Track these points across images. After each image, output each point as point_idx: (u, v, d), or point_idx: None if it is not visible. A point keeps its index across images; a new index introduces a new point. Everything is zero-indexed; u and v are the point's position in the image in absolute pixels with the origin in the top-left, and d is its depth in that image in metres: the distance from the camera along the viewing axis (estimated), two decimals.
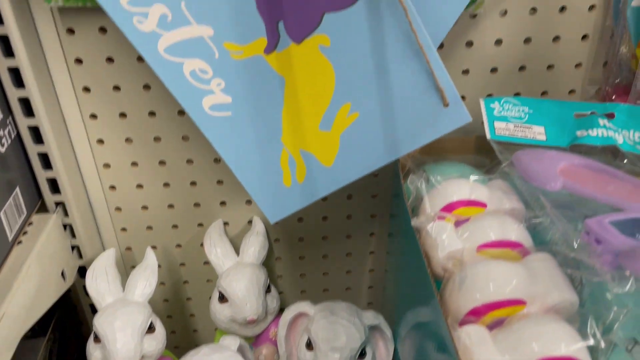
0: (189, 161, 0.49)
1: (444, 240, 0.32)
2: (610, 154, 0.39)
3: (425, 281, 0.32)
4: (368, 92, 0.36)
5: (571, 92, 0.47)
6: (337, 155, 0.38)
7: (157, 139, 0.47)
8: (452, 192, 0.36)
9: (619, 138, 0.39)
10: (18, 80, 0.40)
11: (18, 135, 0.43)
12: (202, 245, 0.52)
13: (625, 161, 0.38)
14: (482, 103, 0.41)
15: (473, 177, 0.37)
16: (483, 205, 0.36)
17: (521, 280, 0.29)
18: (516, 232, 0.33)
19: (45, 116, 0.42)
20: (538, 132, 0.39)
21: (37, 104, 0.41)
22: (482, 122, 0.40)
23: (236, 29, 0.34)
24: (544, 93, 0.47)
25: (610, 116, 0.40)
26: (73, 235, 0.48)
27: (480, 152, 0.45)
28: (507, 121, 0.40)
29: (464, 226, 0.34)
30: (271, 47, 0.35)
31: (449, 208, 0.36)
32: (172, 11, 0.34)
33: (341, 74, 0.36)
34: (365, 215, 0.54)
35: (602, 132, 0.39)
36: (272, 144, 0.38)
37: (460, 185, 0.37)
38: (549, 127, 0.40)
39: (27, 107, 0.42)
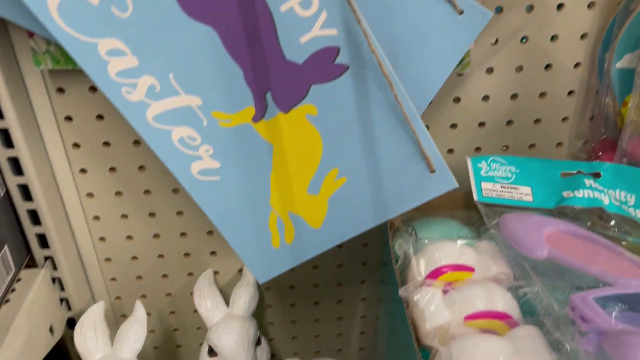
0: (179, 213, 0.49)
1: (431, 312, 0.32)
2: (596, 215, 0.39)
3: (412, 353, 0.32)
4: (355, 158, 0.36)
5: (558, 144, 0.48)
6: (326, 218, 0.39)
7: (147, 191, 0.47)
8: (440, 255, 0.37)
9: (605, 199, 0.39)
10: (7, 141, 0.40)
11: (7, 192, 0.43)
12: (192, 294, 0.52)
13: (612, 222, 0.38)
14: (469, 162, 0.41)
15: (460, 241, 0.37)
16: (471, 269, 0.36)
17: (507, 358, 0.29)
18: (503, 301, 0.33)
19: (35, 174, 0.42)
20: (525, 193, 0.40)
21: (27, 163, 0.41)
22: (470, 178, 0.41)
23: (224, 99, 0.35)
24: (531, 146, 0.48)
25: (596, 175, 0.41)
26: (62, 288, 0.48)
27: (468, 208, 0.45)
28: (494, 182, 0.40)
29: (451, 294, 0.34)
30: (259, 116, 0.35)
31: (437, 273, 0.36)
32: (160, 82, 0.34)
33: (329, 140, 0.36)
34: (356, 263, 0.54)
35: (588, 193, 0.39)
36: (261, 207, 0.39)
37: (448, 248, 0.37)
38: (536, 188, 0.40)
39: (16, 165, 0.42)
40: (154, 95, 0.34)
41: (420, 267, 0.36)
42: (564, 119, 0.47)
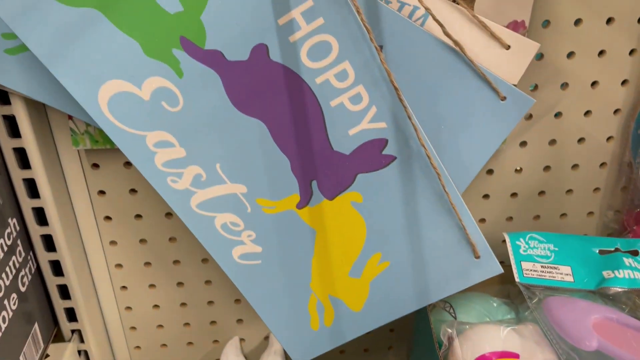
0: (208, 282, 0.48)
1: None
2: (637, 295, 0.39)
3: None
4: (399, 243, 0.36)
5: (589, 214, 0.48)
6: (366, 301, 0.38)
7: (176, 262, 0.47)
8: (484, 342, 0.36)
9: None
10: (41, 219, 0.40)
11: (38, 269, 0.42)
12: None
13: None
14: (507, 239, 0.41)
15: (504, 326, 0.36)
16: (516, 356, 0.36)
17: None
18: None
19: (67, 250, 0.41)
20: (565, 273, 0.39)
21: (60, 240, 0.41)
22: (504, 249, 0.41)
23: (270, 187, 0.35)
24: (562, 215, 0.48)
25: (634, 253, 0.40)
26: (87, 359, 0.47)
27: (504, 281, 0.45)
28: (534, 261, 0.40)
29: None
30: (304, 203, 0.35)
31: None
32: (206, 172, 0.34)
33: (372, 226, 0.36)
34: (384, 329, 0.53)
35: (628, 273, 0.39)
36: (301, 290, 0.38)
37: (492, 333, 0.36)
38: (576, 267, 0.40)
39: (48, 242, 0.41)
40: (200, 184, 0.34)
41: (465, 354, 0.36)
42: (596, 189, 0.47)
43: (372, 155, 0.34)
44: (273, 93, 0.32)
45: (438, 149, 0.35)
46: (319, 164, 0.34)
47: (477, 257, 0.35)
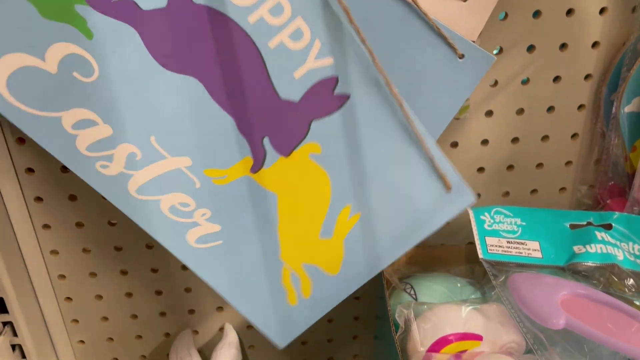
0: (154, 270, 0.44)
1: None
2: (610, 271, 0.36)
3: None
4: (367, 190, 0.33)
5: (562, 189, 0.45)
6: (343, 262, 0.34)
7: (118, 248, 0.43)
8: (444, 323, 0.33)
9: (619, 254, 0.36)
10: None
11: None
12: (168, 355, 0.47)
13: (630, 282, 0.35)
14: (471, 214, 0.38)
15: (466, 306, 0.33)
16: (479, 338, 0.33)
17: None
18: None
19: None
20: (533, 249, 0.36)
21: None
22: (470, 228, 0.37)
23: (217, 154, 0.31)
24: (533, 191, 0.45)
25: (607, 227, 0.38)
26: (23, 355, 0.43)
27: (470, 261, 0.42)
28: (500, 236, 0.37)
29: None
30: (258, 165, 0.32)
31: (441, 342, 0.32)
32: (141, 149, 0.30)
33: (336, 177, 0.32)
34: (348, 318, 0.50)
35: (600, 247, 0.36)
36: (271, 265, 0.35)
37: (453, 314, 0.33)
38: (544, 242, 0.37)
39: None
40: (135, 164, 0.30)
41: (423, 336, 0.32)
42: (568, 162, 0.44)
43: (324, 97, 0.30)
44: (202, 42, 0.28)
45: None
46: (267, 118, 0.30)
47: (449, 188, 0.32)
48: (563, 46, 0.39)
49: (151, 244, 0.43)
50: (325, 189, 0.33)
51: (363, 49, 0.29)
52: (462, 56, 0.32)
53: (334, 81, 0.30)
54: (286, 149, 0.32)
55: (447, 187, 0.32)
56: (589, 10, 0.38)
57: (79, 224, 0.42)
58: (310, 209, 0.33)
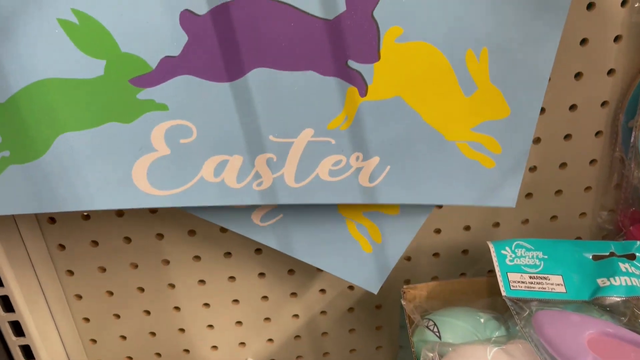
0: (176, 308, 0.45)
1: None
2: (634, 305, 0.35)
3: None
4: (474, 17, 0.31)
5: (582, 214, 0.44)
6: (507, 101, 0.33)
7: (140, 289, 0.44)
8: None
9: None
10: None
11: None
12: None
13: None
14: (491, 248, 0.38)
15: (491, 347, 0.33)
16: None
17: None
18: None
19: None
20: (556, 283, 0.36)
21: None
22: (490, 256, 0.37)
23: (324, 106, 0.31)
24: (553, 217, 0.44)
25: (631, 257, 0.37)
26: None
27: (492, 294, 0.41)
28: (522, 271, 0.36)
29: None
30: (362, 87, 0.31)
31: None
32: (271, 151, 0.32)
33: (434, 35, 0.31)
34: (370, 328, 0.50)
35: (625, 280, 0.36)
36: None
37: (478, 355, 0.33)
38: (567, 276, 0.36)
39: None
40: (277, 165, 0.32)
41: None
42: (587, 188, 0.43)
43: None
44: (250, 34, 0.28)
45: None
46: (334, 44, 0.29)
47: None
48: (578, 75, 0.39)
49: (167, 260, 0.43)
50: (434, 54, 0.31)
51: None
52: None
53: None
54: (372, 55, 0.30)
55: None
56: (603, 38, 0.37)
57: (101, 269, 0.42)
58: (437, 80, 0.32)
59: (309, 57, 0.29)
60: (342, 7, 0.28)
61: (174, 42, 0.27)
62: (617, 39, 0.38)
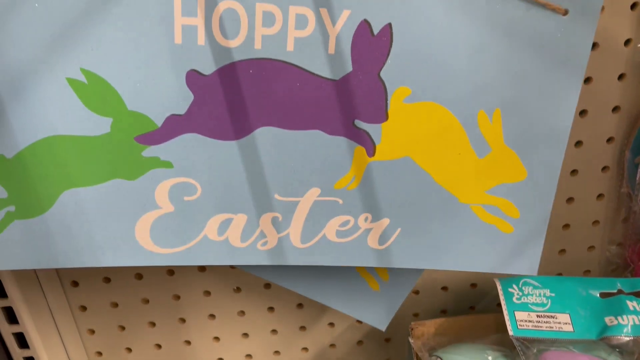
0: (187, 342, 0.45)
1: None
2: None
3: None
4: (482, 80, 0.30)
5: (590, 248, 0.44)
6: (524, 164, 0.33)
7: (151, 323, 0.44)
8: None
9: None
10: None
11: None
12: None
13: None
14: (498, 286, 0.38)
15: None
16: None
17: None
18: None
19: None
20: (564, 322, 0.36)
21: None
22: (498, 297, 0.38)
23: (331, 166, 0.31)
24: (561, 251, 0.44)
25: (638, 294, 0.37)
26: None
27: (499, 330, 0.41)
28: (529, 310, 0.37)
29: None
30: (370, 147, 0.31)
31: None
32: (276, 210, 0.32)
33: (444, 97, 0.30)
34: None
35: (632, 319, 0.36)
36: (461, 213, 0.34)
37: None
38: (575, 314, 0.36)
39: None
40: (281, 225, 0.32)
41: None
42: (595, 222, 0.43)
43: (370, 47, 0.28)
44: (255, 92, 0.28)
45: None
46: (341, 104, 0.29)
47: (565, 12, 0.28)
48: (583, 112, 0.39)
49: (178, 295, 0.44)
50: (444, 114, 0.30)
51: None
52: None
53: (365, 26, 0.28)
54: (380, 115, 0.30)
55: (561, 11, 0.28)
56: (607, 76, 0.38)
57: (113, 304, 0.43)
58: (448, 141, 0.31)
59: (315, 116, 0.29)
60: (348, 68, 0.28)
61: (180, 101, 0.28)
62: (621, 77, 0.38)
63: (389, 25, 0.28)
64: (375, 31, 0.28)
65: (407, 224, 0.33)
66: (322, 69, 0.28)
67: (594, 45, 0.37)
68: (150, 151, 0.29)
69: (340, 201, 0.32)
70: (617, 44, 0.37)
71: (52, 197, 0.29)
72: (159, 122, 0.28)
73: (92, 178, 0.29)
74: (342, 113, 0.29)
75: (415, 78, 0.29)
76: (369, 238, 0.33)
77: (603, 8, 0.35)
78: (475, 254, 0.34)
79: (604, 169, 0.41)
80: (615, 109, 0.39)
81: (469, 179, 0.32)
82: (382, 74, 0.29)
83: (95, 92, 0.27)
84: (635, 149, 0.39)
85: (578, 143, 0.40)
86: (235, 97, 0.28)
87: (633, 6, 0.36)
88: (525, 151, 0.32)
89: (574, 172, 0.41)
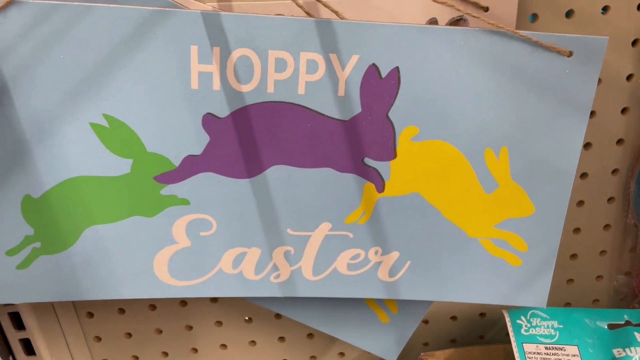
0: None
1: None
2: None
3: None
4: (488, 119, 0.31)
5: (598, 277, 0.45)
6: (531, 199, 0.34)
7: (164, 353, 0.45)
8: None
9: None
10: None
11: None
12: None
13: None
14: (507, 317, 0.38)
15: None
16: None
17: None
18: None
19: None
20: (572, 354, 0.36)
21: None
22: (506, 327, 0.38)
23: (342, 202, 0.32)
24: (569, 281, 0.45)
25: None
26: None
27: (508, 358, 0.42)
28: (537, 342, 0.37)
29: None
30: (379, 183, 0.32)
31: None
32: (289, 244, 0.33)
33: (453, 135, 0.31)
34: None
35: None
36: (470, 247, 0.35)
37: None
38: (583, 347, 0.37)
39: None
40: (294, 258, 0.33)
41: None
42: (602, 252, 0.44)
43: (378, 89, 0.29)
44: (268, 133, 0.30)
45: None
46: (351, 143, 0.30)
47: (569, 54, 0.29)
48: (588, 145, 0.40)
49: (190, 325, 0.44)
50: (452, 152, 0.31)
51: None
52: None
53: (373, 69, 0.29)
54: (388, 153, 0.31)
55: (566, 53, 0.29)
56: (611, 110, 0.39)
57: (127, 334, 0.44)
58: (456, 177, 0.32)
59: (325, 155, 0.30)
60: (357, 109, 0.29)
61: (197, 142, 0.29)
62: (624, 110, 0.39)
63: (397, 68, 0.29)
64: (383, 74, 0.29)
65: (416, 257, 0.34)
66: (332, 111, 0.29)
67: (598, 81, 0.37)
68: (168, 190, 0.30)
69: (351, 235, 0.33)
70: (619, 79, 0.38)
71: (75, 234, 0.30)
72: (177, 163, 0.29)
73: (113, 215, 0.30)
74: (352, 152, 0.31)
75: (423, 118, 0.30)
76: (379, 271, 0.34)
77: None
78: (483, 287, 0.35)
79: (610, 199, 0.42)
80: (619, 141, 0.40)
81: (477, 214, 0.33)
82: (390, 114, 0.30)
83: (116, 135, 0.28)
84: None
85: (584, 175, 0.41)
86: (249, 138, 0.29)
87: (634, 43, 0.37)
88: (533, 187, 0.32)
89: (580, 203, 0.42)
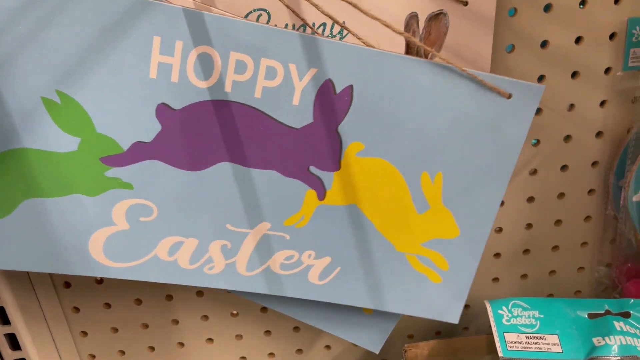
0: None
1: None
2: None
3: None
4: (431, 147, 0.32)
5: (580, 269, 0.45)
6: (456, 221, 0.35)
7: (150, 347, 0.45)
8: None
9: (639, 344, 0.36)
10: None
11: None
12: None
13: None
14: (488, 308, 0.39)
15: None
16: None
17: None
18: None
19: None
20: (552, 343, 0.37)
21: None
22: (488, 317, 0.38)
23: (283, 204, 0.33)
24: (552, 272, 0.45)
25: (625, 315, 0.38)
26: None
27: (490, 351, 0.42)
28: (518, 331, 0.37)
29: None
30: (321, 191, 0.33)
31: None
32: (226, 239, 0.33)
33: (394, 156, 0.33)
34: None
35: (620, 339, 0.36)
36: (394, 260, 0.36)
37: None
38: (563, 335, 0.37)
39: None
40: (230, 252, 0.34)
41: None
42: (583, 243, 0.44)
43: (332, 103, 0.31)
44: (218, 130, 0.30)
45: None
46: (299, 151, 0.32)
47: (508, 96, 0.31)
48: (567, 138, 0.40)
49: (176, 320, 0.45)
50: (391, 171, 0.33)
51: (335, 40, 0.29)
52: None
53: (329, 84, 0.30)
54: (333, 164, 0.33)
55: (506, 95, 0.31)
56: (589, 103, 0.39)
57: (113, 329, 0.44)
58: (392, 195, 0.34)
59: (273, 158, 0.31)
60: (309, 119, 0.31)
61: (148, 129, 0.29)
62: (602, 103, 0.39)
63: (351, 86, 0.30)
64: (338, 90, 0.30)
65: (346, 264, 0.35)
66: (285, 118, 0.30)
67: (574, 74, 0.38)
68: (113, 172, 0.30)
69: (288, 237, 0.34)
70: (598, 72, 0.38)
71: (12, 204, 0.30)
72: (125, 147, 0.30)
73: (54, 191, 0.30)
74: (299, 159, 0.32)
75: (369, 136, 0.32)
76: (309, 273, 0.35)
77: (583, 38, 0.37)
78: (407, 299, 0.37)
79: (590, 192, 0.42)
80: (599, 134, 0.40)
81: (406, 231, 0.35)
82: (339, 128, 0.31)
83: (67, 112, 0.28)
84: (619, 172, 0.40)
85: (564, 167, 0.41)
86: (200, 132, 0.30)
87: (612, 36, 0.37)
88: (460, 213, 0.34)
89: (561, 195, 0.42)
